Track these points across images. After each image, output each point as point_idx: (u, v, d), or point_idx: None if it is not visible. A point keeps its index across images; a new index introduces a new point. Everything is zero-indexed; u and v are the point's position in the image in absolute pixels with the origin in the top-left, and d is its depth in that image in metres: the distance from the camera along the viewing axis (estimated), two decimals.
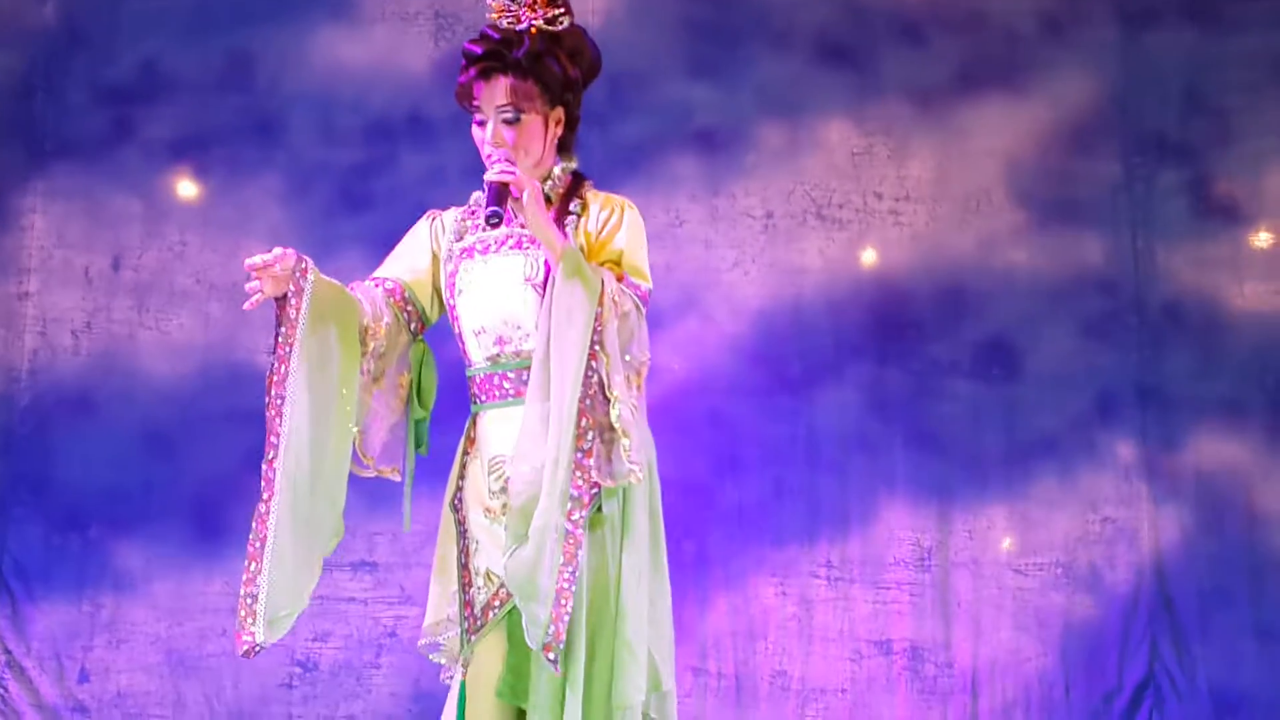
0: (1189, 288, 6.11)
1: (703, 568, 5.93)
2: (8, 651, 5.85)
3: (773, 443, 6.02)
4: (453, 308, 3.48)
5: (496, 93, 3.38)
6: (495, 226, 3.32)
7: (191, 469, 5.98)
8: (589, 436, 3.22)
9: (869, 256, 6.17)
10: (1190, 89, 6.22)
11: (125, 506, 5.95)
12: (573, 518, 3.18)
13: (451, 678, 3.46)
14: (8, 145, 6.21)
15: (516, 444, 3.26)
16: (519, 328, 3.38)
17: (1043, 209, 6.16)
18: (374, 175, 6.12)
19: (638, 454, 3.26)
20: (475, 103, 3.41)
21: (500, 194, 3.28)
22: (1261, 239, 6.15)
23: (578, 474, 3.19)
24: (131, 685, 5.84)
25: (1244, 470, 5.98)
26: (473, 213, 3.55)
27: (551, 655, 3.15)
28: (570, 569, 3.17)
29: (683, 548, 5.92)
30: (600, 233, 3.43)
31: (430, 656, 3.51)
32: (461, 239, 3.51)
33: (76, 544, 5.94)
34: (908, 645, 5.90)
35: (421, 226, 3.59)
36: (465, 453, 3.48)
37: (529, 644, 3.17)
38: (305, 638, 5.85)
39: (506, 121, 3.39)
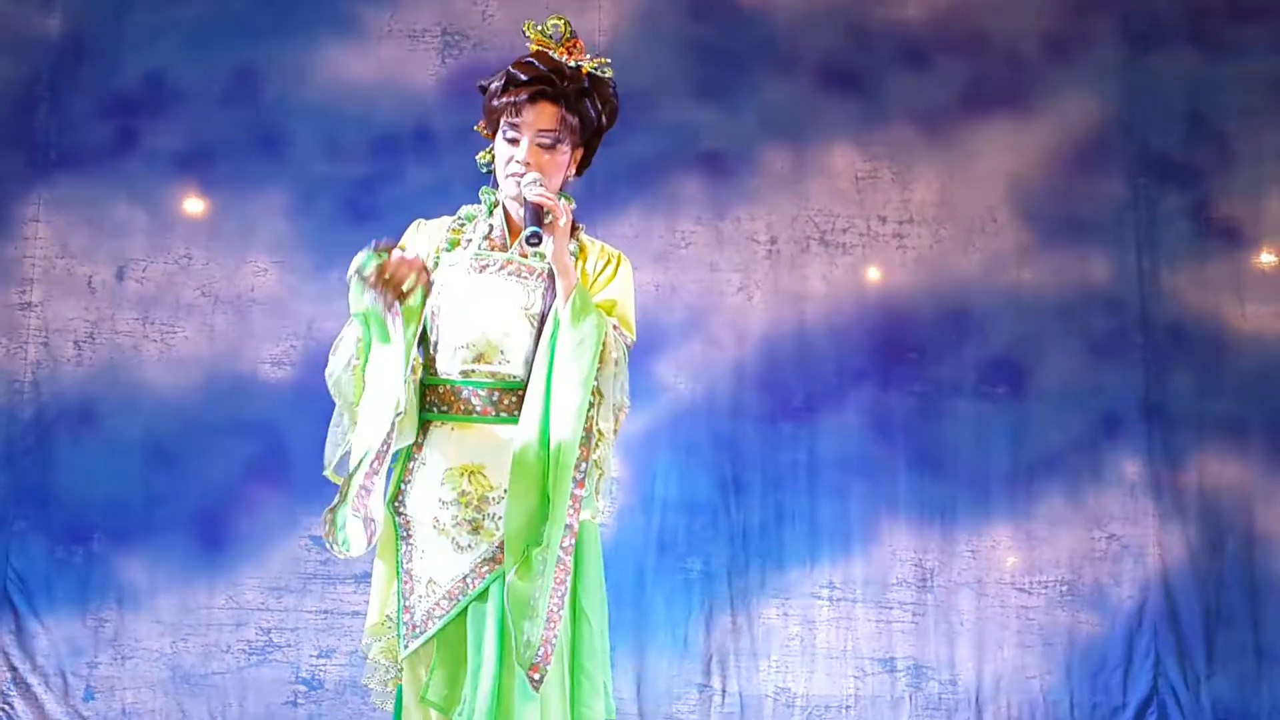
0: (1192, 308, 6.15)
1: (706, 587, 5.96)
2: (13, 669, 5.84)
3: (775, 466, 6.05)
4: (433, 315, 3.49)
5: (543, 117, 3.44)
6: (536, 246, 3.35)
7: (195, 482, 5.98)
8: (581, 468, 3.30)
9: (872, 281, 6.19)
10: (1193, 112, 6.25)
11: (128, 519, 5.95)
12: (564, 545, 3.27)
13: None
14: (11, 154, 6.19)
15: (513, 469, 3.30)
16: (503, 352, 3.42)
17: (1048, 228, 6.19)
18: (379, 189, 6.12)
19: (607, 495, 3.39)
20: (516, 121, 3.45)
21: (538, 215, 3.33)
22: (1263, 261, 6.19)
23: (571, 505, 3.28)
24: (137, 703, 5.85)
25: (1246, 491, 6.03)
26: (462, 224, 3.57)
27: (537, 675, 3.23)
28: (560, 593, 3.27)
29: (687, 565, 5.95)
30: (596, 279, 3.51)
31: (368, 658, 3.50)
32: (452, 250, 3.53)
33: (80, 558, 5.93)
34: (911, 663, 5.94)
35: (410, 238, 3.60)
36: (410, 458, 3.49)
37: (517, 664, 3.24)
38: (310, 654, 5.88)
39: (544, 146, 3.45)
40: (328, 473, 3.44)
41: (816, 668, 5.94)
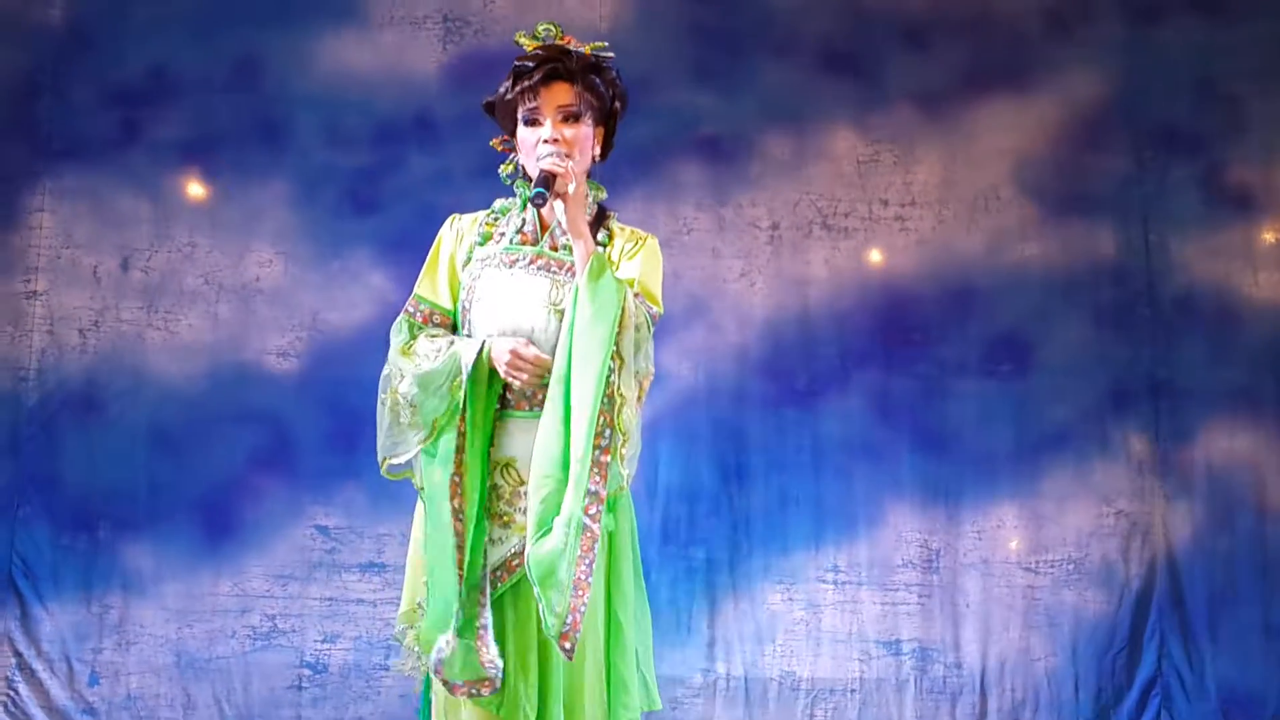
0: (1201, 279, 6.11)
1: (710, 574, 5.96)
2: (18, 654, 5.86)
3: (779, 451, 6.03)
4: (465, 310, 3.52)
5: (559, 94, 3.52)
6: (539, 207, 3.43)
7: (199, 469, 5.99)
8: (606, 434, 3.32)
9: (875, 264, 6.17)
10: (1199, 80, 6.21)
11: (133, 507, 5.97)
12: (590, 512, 3.29)
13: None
14: (15, 144, 6.20)
15: (537, 442, 3.33)
16: (534, 347, 3.42)
17: (1053, 204, 6.16)
18: (381, 178, 6.13)
19: (631, 462, 3.39)
20: (534, 104, 3.51)
21: (547, 181, 3.39)
22: (1274, 230, 6.14)
23: (595, 471, 3.29)
24: (142, 688, 5.86)
25: (1257, 464, 5.99)
26: (495, 218, 3.61)
27: (568, 644, 3.25)
28: (588, 561, 3.28)
29: (689, 553, 5.95)
30: (622, 259, 3.56)
31: (402, 644, 3.56)
32: (484, 244, 3.56)
33: (84, 545, 5.95)
34: (916, 646, 5.92)
35: (445, 235, 3.66)
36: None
37: (546, 633, 3.25)
38: (314, 639, 5.88)
39: (566, 120, 3.52)
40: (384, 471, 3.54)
41: (821, 651, 5.93)
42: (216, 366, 6.07)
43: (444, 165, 6.02)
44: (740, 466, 6.05)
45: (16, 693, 5.81)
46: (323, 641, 5.89)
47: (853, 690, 5.89)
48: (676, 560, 5.97)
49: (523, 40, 3.61)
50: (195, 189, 6.21)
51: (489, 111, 3.64)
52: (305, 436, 6.02)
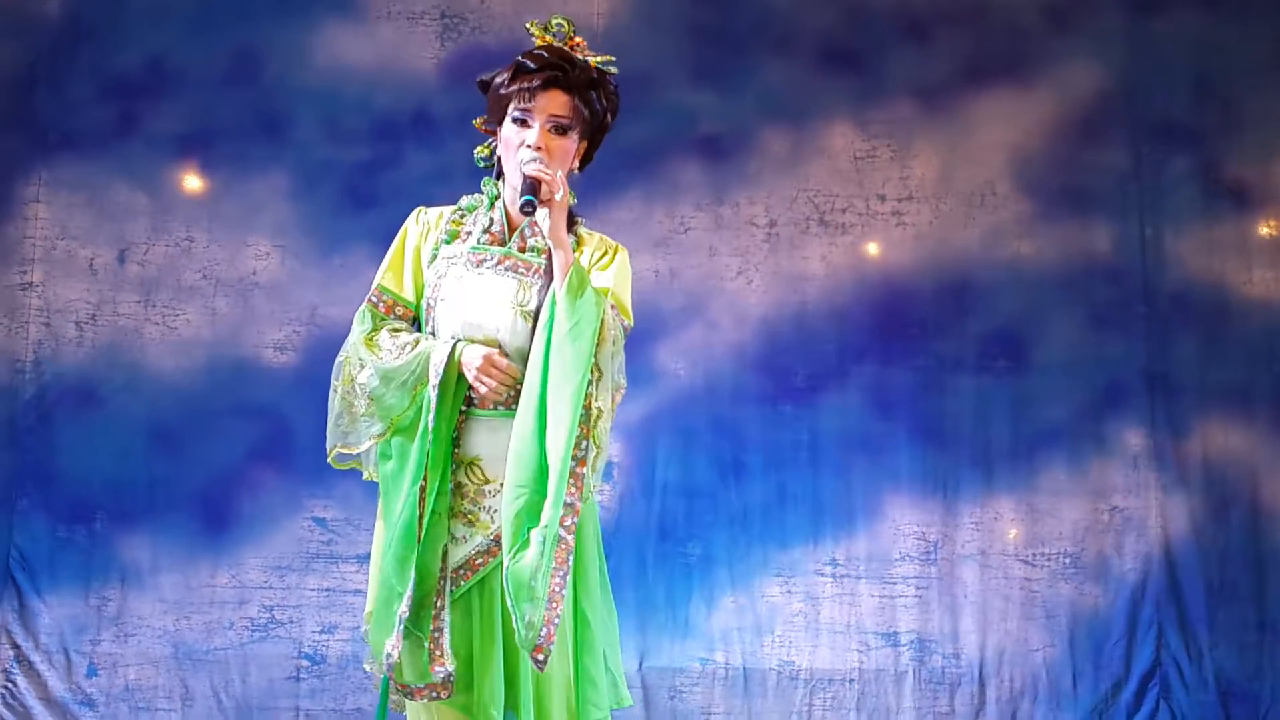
0: (1197, 275, 6.13)
1: (708, 569, 5.97)
2: (15, 646, 5.85)
3: (777, 447, 6.05)
4: (429, 308, 3.51)
5: (554, 103, 3.46)
6: (529, 215, 3.39)
7: (197, 463, 5.99)
8: (583, 445, 3.31)
9: (872, 259, 6.18)
10: (1198, 76, 6.22)
11: (131, 499, 5.97)
12: (565, 524, 3.27)
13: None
14: (11, 135, 6.18)
15: (510, 454, 3.32)
16: (499, 347, 3.43)
17: (1050, 199, 6.18)
18: (379, 173, 6.12)
19: (599, 473, 3.39)
20: (528, 106, 3.47)
21: (534, 188, 3.36)
22: (1270, 226, 6.16)
23: (571, 482, 3.27)
24: (139, 679, 5.86)
25: (1251, 460, 6.02)
26: (462, 216, 3.59)
27: (541, 656, 3.24)
28: (562, 573, 3.27)
29: (688, 550, 5.96)
30: (592, 268, 3.52)
31: (369, 643, 3.54)
32: (451, 243, 3.54)
33: (82, 537, 5.95)
34: (915, 637, 5.94)
35: (410, 228, 3.62)
36: None
37: (520, 646, 3.25)
38: (313, 630, 5.89)
39: (555, 131, 3.47)
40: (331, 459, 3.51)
41: (820, 642, 5.94)
42: (214, 360, 6.07)
43: (441, 161, 5.98)
44: (738, 463, 6.06)
45: (15, 684, 5.81)
46: (320, 633, 5.90)
47: (851, 680, 5.91)
48: (674, 557, 5.98)
49: (534, 30, 3.56)
50: (193, 182, 6.20)
51: (483, 89, 3.61)
52: (302, 430, 5.98)
